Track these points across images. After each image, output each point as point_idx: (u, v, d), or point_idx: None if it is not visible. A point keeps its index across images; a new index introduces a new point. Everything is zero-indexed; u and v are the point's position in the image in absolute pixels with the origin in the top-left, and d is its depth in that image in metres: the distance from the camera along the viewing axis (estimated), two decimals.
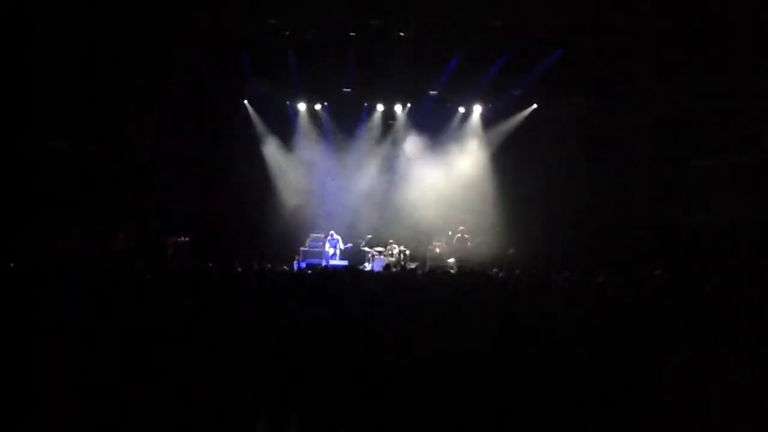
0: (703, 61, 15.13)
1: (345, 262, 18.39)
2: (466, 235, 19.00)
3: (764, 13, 13.33)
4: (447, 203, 19.85)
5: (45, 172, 15.44)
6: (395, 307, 6.79)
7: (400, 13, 16.72)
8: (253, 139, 19.90)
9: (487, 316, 6.42)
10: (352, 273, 13.36)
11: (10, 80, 14.68)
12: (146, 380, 4.84)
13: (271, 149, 20.21)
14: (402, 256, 18.73)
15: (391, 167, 20.78)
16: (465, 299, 7.63)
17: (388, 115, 20.80)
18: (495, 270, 14.33)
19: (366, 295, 7.61)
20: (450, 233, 19.36)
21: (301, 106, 20.35)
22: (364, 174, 20.62)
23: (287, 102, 20.28)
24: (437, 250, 19.13)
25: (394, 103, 20.56)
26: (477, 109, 20.53)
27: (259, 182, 19.80)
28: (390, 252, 18.78)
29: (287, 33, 17.36)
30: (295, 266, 17.75)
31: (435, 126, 20.63)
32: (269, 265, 15.54)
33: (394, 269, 17.40)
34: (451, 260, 18.31)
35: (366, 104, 20.50)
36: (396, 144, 20.81)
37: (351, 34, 17.32)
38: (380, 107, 20.52)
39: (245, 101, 19.81)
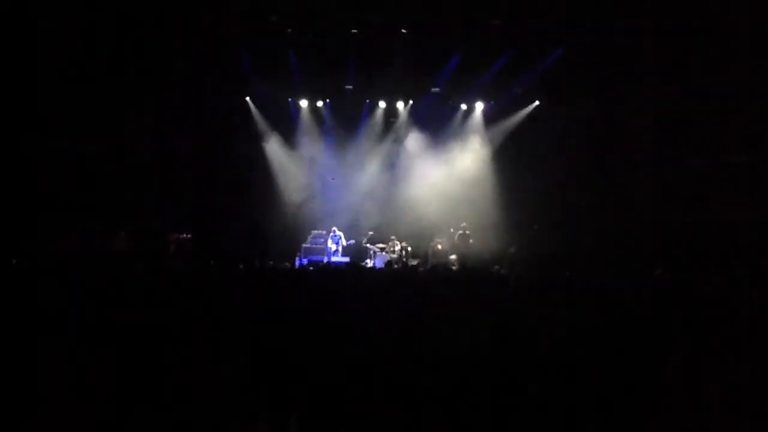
0: (703, 61, 15.09)
1: (347, 259, 18.40)
2: (467, 232, 19.01)
3: (764, 13, 13.29)
4: (448, 200, 19.84)
5: (45, 171, 15.45)
6: (396, 305, 6.78)
7: (401, 10, 16.67)
8: (254, 136, 19.90)
9: (487, 314, 6.42)
10: (353, 270, 13.38)
11: (10, 80, 14.68)
12: (146, 380, 4.84)
13: (273, 147, 20.22)
14: (404, 252, 18.75)
15: (392, 164, 20.78)
16: (466, 297, 7.63)
17: (390, 113, 20.80)
18: (496, 267, 14.34)
19: (367, 292, 7.62)
20: (452, 230, 19.38)
21: (303, 104, 20.34)
22: (365, 171, 20.64)
23: (289, 99, 20.27)
24: (439, 247, 19.15)
25: (396, 101, 20.55)
26: (479, 107, 20.52)
27: (261, 180, 19.81)
28: (392, 249, 18.79)
29: (289, 30, 17.34)
30: (297, 263, 17.75)
31: (437, 123, 20.66)
32: (271, 262, 15.57)
33: (395, 266, 17.45)
34: (453, 257, 18.31)
35: (368, 101, 20.49)
36: (398, 141, 20.79)
37: (353, 31, 17.28)
38: (382, 104, 20.51)
39: (247, 99, 19.81)
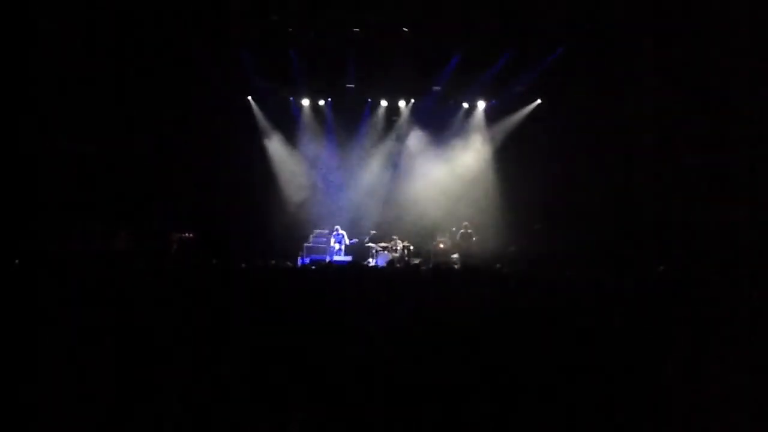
0: (703, 61, 15.08)
1: (349, 258, 18.41)
2: (469, 231, 19.00)
3: (764, 13, 13.26)
4: (450, 199, 19.85)
5: (45, 171, 15.47)
6: (398, 304, 6.80)
7: (402, 8, 16.66)
8: (256, 135, 19.91)
9: (488, 312, 6.43)
10: (355, 269, 13.41)
11: (11, 80, 14.70)
12: (146, 380, 4.85)
13: (275, 145, 20.22)
14: (406, 251, 18.74)
15: (394, 163, 20.77)
16: (467, 295, 7.65)
17: (392, 111, 20.78)
18: (498, 266, 14.37)
19: (368, 291, 7.64)
20: (454, 229, 19.37)
21: (305, 103, 20.34)
22: (367, 170, 20.63)
23: (290, 98, 20.27)
24: (441, 246, 19.14)
25: (398, 99, 20.54)
26: (480, 105, 20.51)
27: (263, 178, 19.81)
28: (394, 248, 18.78)
29: (290, 29, 17.34)
30: (299, 262, 17.76)
31: (438, 122, 20.62)
32: (273, 262, 15.60)
33: (397, 265, 17.48)
34: (455, 256, 18.31)
35: (369, 100, 20.47)
36: (399, 140, 20.79)
37: (354, 30, 17.28)
38: (384, 103, 20.50)
39: (249, 98, 19.81)
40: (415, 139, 20.64)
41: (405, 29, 17.31)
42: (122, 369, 4.93)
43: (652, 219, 16.40)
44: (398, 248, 18.74)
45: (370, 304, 6.89)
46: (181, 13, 15.90)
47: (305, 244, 18.68)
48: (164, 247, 16.77)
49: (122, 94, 16.77)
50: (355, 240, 19.25)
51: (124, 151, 17.39)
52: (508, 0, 15.93)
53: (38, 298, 6.02)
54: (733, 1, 14.18)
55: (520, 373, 5.00)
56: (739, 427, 4.46)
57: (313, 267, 14.15)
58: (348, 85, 19.66)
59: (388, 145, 20.86)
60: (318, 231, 19.13)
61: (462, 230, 19.08)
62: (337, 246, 18.93)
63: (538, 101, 19.79)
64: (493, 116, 20.56)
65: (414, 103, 20.63)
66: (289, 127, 20.35)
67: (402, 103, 20.64)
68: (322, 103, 20.46)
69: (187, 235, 17.33)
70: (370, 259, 18.57)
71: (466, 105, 20.59)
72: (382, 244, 18.93)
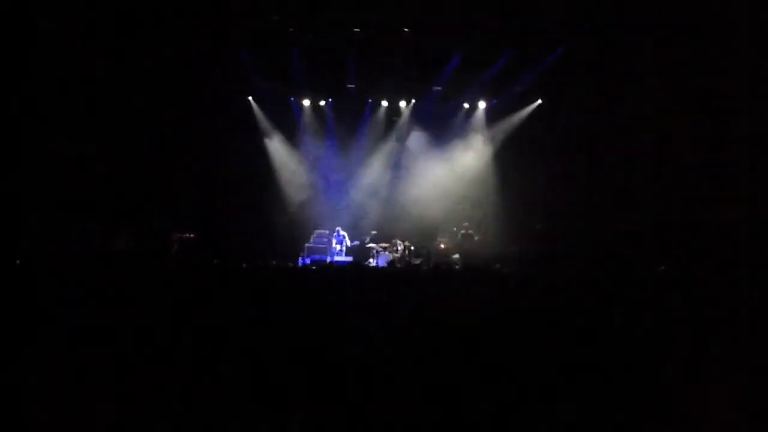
0: (703, 61, 15.08)
1: (350, 258, 18.41)
2: (470, 231, 19.00)
3: (764, 13, 13.25)
4: (451, 199, 19.86)
5: (46, 171, 15.48)
6: (398, 304, 6.81)
7: (403, 8, 16.66)
8: (257, 135, 19.91)
9: (489, 312, 6.43)
10: (355, 269, 13.42)
11: (11, 80, 14.70)
12: (146, 379, 4.85)
13: (276, 145, 20.22)
14: (406, 252, 18.73)
15: (395, 163, 20.76)
16: (468, 296, 7.65)
17: (393, 111, 20.76)
18: (498, 266, 14.37)
19: (369, 291, 7.64)
20: (454, 229, 19.37)
21: (306, 103, 20.33)
22: (368, 170, 20.62)
23: (291, 98, 20.27)
24: (442, 246, 19.14)
25: (398, 99, 20.53)
26: (481, 105, 20.51)
27: (264, 179, 19.81)
28: (394, 248, 18.78)
29: (290, 29, 17.34)
30: (300, 262, 17.76)
31: (439, 122, 20.60)
32: (273, 262, 15.61)
33: (398, 265, 17.49)
34: (456, 256, 18.31)
35: (370, 100, 20.45)
36: (400, 140, 20.79)
37: (355, 30, 17.28)
38: (384, 103, 20.48)
39: (249, 98, 19.81)
40: (416, 139, 20.62)
41: (405, 29, 17.31)
42: (122, 369, 4.93)
43: (652, 219, 16.38)
44: (399, 248, 18.74)
45: (370, 305, 6.90)
46: (181, 12, 15.89)
47: (306, 245, 18.67)
48: (165, 248, 16.76)
49: (122, 94, 16.75)
50: (356, 242, 19.26)
51: (124, 151, 17.36)
52: (509, 0, 15.94)
53: (39, 298, 6.02)
54: (733, 1, 14.17)
55: (520, 373, 5.00)
56: (739, 427, 4.46)
57: (314, 267, 14.16)
58: (349, 86, 19.65)
59: (389, 145, 20.84)
60: (319, 231, 19.12)
61: (463, 231, 19.08)
62: (338, 246, 18.93)
63: (539, 101, 19.77)
64: (493, 116, 20.54)
65: (415, 104, 20.60)
66: (289, 127, 20.33)
67: (403, 104, 20.63)
68: (322, 103, 20.43)
69: (187, 235, 17.33)
70: (371, 260, 18.56)
71: (466, 105, 20.57)
72: (383, 245, 18.93)
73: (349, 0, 16.45)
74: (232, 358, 5.20)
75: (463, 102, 20.49)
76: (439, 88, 19.74)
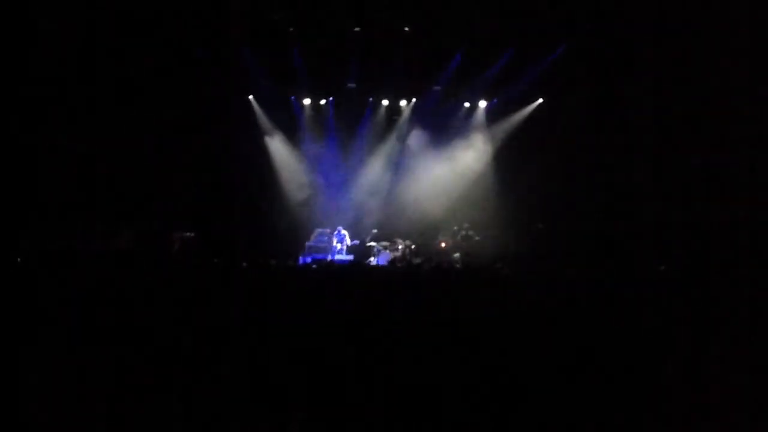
0: (703, 61, 15.09)
1: (350, 257, 18.41)
2: (470, 232, 18.99)
3: (764, 13, 13.24)
4: (452, 198, 19.84)
5: (46, 171, 15.49)
6: (398, 303, 6.81)
7: (404, 8, 16.65)
8: (257, 134, 19.91)
9: (489, 312, 6.43)
10: (356, 268, 13.41)
11: (11, 80, 14.70)
12: (147, 379, 4.86)
13: (276, 145, 20.22)
14: (407, 251, 18.72)
15: (396, 162, 20.75)
16: (469, 295, 7.65)
17: (393, 111, 20.74)
18: (499, 265, 14.36)
19: (369, 291, 7.64)
20: (455, 228, 19.35)
21: (306, 102, 20.32)
22: (369, 169, 20.61)
23: (292, 98, 20.26)
24: (443, 245, 19.13)
25: (399, 99, 20.52)
26: (482, 104, 20.49)
27: (265, 178, 19.81)
28: (395, 247, 18.77)
29: (291, 29, 17.33)
30: (300, 261, 17.76)
31: (440, 121, 20.58)
32: (273, 261, 15.59)
33: (399, 264, 17.47)
34: (457, 255, 18.29)
35: (371, 99, 20.44)
36: (401, 139, 20.78)
37: (355, 29, 17.27)
38: (385, 102, 20.47)
39: (250, 97, 19.80)
40: (417, 138, 20.59)
41: (406, 28, 17.31)
42: (123, 368, 4.94)
43: (652, 219, 16.38)
44: (400, 247, 18.73)
45: (370, 304, 6.90)
46: (181, 12, 15.89)
47: (307, 243, 18.68)
48: (165, 247, 16.76)
49: (123, 93, 16.74)
50: (356, 241, 19.26)
51: (125, 151, 17.36)
52: None
53: (39, 297, 6.03)
54: (733, 1, 14.15)
55: (519, 372, 5.01)
56: (739, 427, 4.46)
57: (314, 266, 14.14)
58: (349, 85, 19.64)
59: (390, 144, 20.82)
60: (319, 230, 19.11)
61: (463, 232, 19.07)
62: (338, 245, 18.93)
63: (540, 100, 19.76)
64: (494, 116, 20.52)
65: (415, 103, 20.58)
66: (290, 126, 20.32)
67: (403, 103, 20.60)
68: (323, 102, 20.43)
69: (188, 234, 17.33)
70: (372, 258, 18.56)
71: (467, 104, 20.55)
72: (384, 244, 18.93)
73: None
74: (232, 358, 5.20)
75: (464, 101, 20.46)
76: (439, 87, 19.74)
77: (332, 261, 17.33)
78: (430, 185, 20.00)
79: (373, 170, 20.60)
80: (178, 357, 5.14)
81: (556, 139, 18.58)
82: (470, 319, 6.17)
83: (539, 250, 16.81)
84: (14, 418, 4.44)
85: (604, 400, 4.72)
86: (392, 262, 17.96)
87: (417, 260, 18.26)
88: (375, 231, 19.44)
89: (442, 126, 20.60)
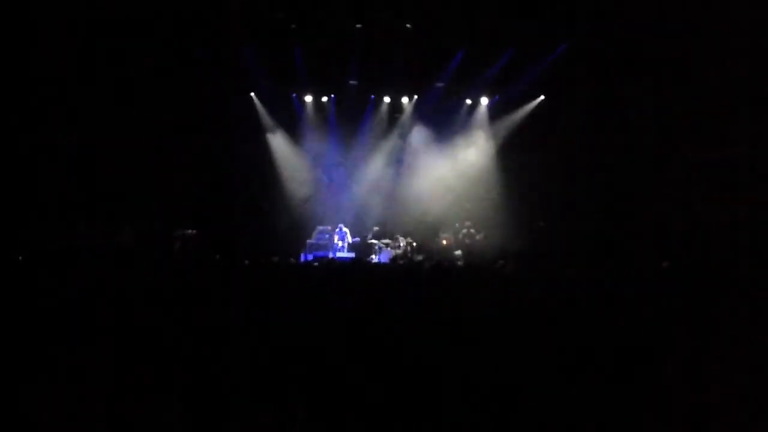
0: (702, 61, 15.07)
1: (352, 255, 18.42)
2: (472, 230, 19.00)
3: (764, 13, 13.22)
4: (454, 195, 19.86)
5: (47, 170, 15.51)
6: (399, 301, 6.81)
7: (406, 4, 16.63)
8: (259, 132, 19.91)
9: (490, 311, 6.43)
10: (357, 266, 13.42)
11: (12, 80, 14.71)
12: (147, 379, 4.87)
13: (278, 142, 20.22)
14: (409, 248, 18.73)
15: (397, 159, 20.76)
16: (470, 294, 7.65)
17: (395, 108, 20.74)
18: (500, 263, 14.35)
19: (370, 289, 7.64)
20: (457, 225, 19.37)
21: (308, 99, 20.32)
22: (370, 166, 20.62)
23: (293, 95, 20.26)
24: (444, 243, 19.14)
25: (401, 96, 20.51)
26: (484, 102, 20.48)
27: (266, 175, 19.82)
28: (397, 244, 18.78)
29: (293, 26, 17.31)
30: (302, 259, 17.77)
31: (442, 118, 20.58)
32: (275, 258, 15.60)
33: (400, 262, 17.48)
34: (458, 252, 18.30)
35: (372, 97, 20.43)
36: (402, 136, 20.77)
37: (357, 26, 17.24)
38: (387, 99, 20.46)
39: (252, 94, 19.80)
40: (419, 135, 20.60)
41: (408, 25, 17.28)
42: (123, 368, 4.94)
43: (653, 218, 16.37)
44: (401, 245, 18.75)
45: (371, 302, 6.91)
46: (181, 11, 15.87)
47: (308, 241, 18.69)
48: (167, 245, 16.78)
49: (123, 93, 16.73)
50: (357, 239, 19.28)
51: (125, 151, 17.36)
52: None
53: (39, 297, 6.04)
54: (733, 1, 14.12)
55: (520, 371, 5.01)
56: (739, 427, 4.47)
57: (316, 264, 14.15)
58: (351, 82, 19.63)
59: (391, 141, 20.83)
60: (321, 227, 19.13)
61: (464, 230, 19.08)
62: (340, 243, 18.94)
63: (542, 98, 19.75)
64: (496, 113, 20.51)
65: (417, 100, 20.58)
66: (292, 123, 20.33)
67: (405, 100, 20.60)
68: (325, 99, 20.43)
69: (189, 232, 17.35)
70: (373, 256, 18.57)
71: (469, 101, 20.55)
72: (385, 241, 18.94)
73: None
74: (233, 357, 5.20)
75: (466, 98, 20.46)
76: (441, 84, 19.72)
77: (333, 258, 17.34)
78: (432, 182, 20.03)
79: (375, 167, 20.60)
80: (178, 356, 5.14)
81: (557, 139, 18.59)
82: (471, 317, 6.18)
83: (541, 248, 16.82)
84: (14, 418, 4.45)
85: (605, 399, 4.72)
86: (393, 259, 17.97)
87: (418, 258, 18.28)
88: (376, 228, 19.45)
89: (444, 123, 20.60)
